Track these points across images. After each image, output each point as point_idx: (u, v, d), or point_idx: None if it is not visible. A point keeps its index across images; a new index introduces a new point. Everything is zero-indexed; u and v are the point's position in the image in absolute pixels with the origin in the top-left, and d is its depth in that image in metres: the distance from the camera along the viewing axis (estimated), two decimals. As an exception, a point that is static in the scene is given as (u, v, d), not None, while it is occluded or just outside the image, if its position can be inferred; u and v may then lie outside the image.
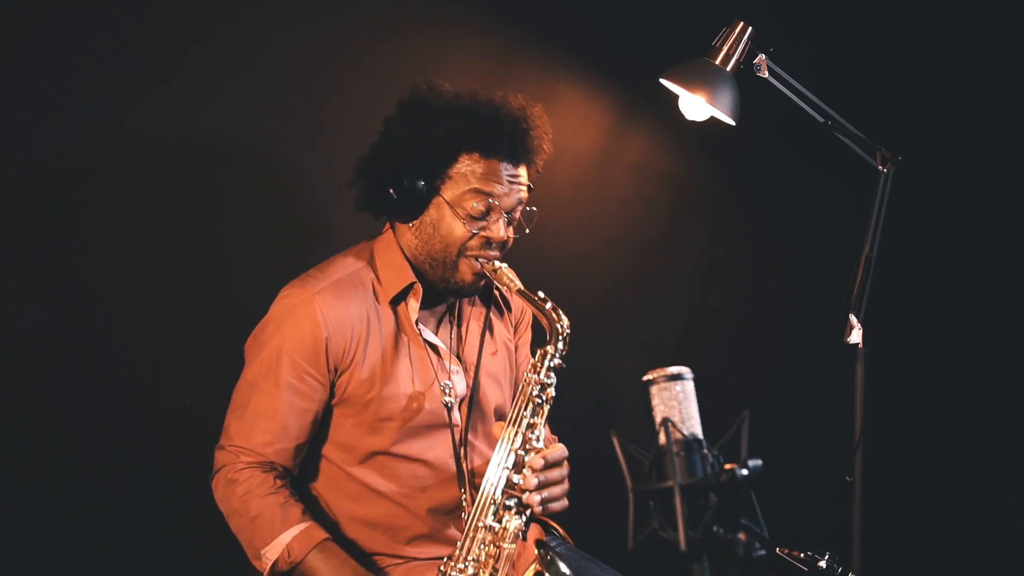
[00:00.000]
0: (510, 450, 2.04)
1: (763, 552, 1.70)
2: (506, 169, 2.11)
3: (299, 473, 2.18)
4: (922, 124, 3.24)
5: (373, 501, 2.17)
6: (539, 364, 2.07)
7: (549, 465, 2.03)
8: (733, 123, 2.63)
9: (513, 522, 2.02)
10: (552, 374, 2.08)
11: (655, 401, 1.80)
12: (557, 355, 2.07)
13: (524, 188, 2.16)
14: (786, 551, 2.14)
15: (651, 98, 2.93)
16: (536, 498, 2.01)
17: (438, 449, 2.19)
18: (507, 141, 2.10)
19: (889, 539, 3.19)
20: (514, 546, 2.02)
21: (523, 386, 2.08)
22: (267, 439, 2.09)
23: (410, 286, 2.16)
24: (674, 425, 1.75)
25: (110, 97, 2.52)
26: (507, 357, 2.36)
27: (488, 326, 2.30)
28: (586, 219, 3.21)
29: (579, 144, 3.18)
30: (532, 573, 2.02)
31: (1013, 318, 3.28)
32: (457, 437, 2.21)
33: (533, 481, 1.99)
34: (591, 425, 2.74)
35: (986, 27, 3.26)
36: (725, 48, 2.56)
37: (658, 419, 1.79)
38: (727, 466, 1.73)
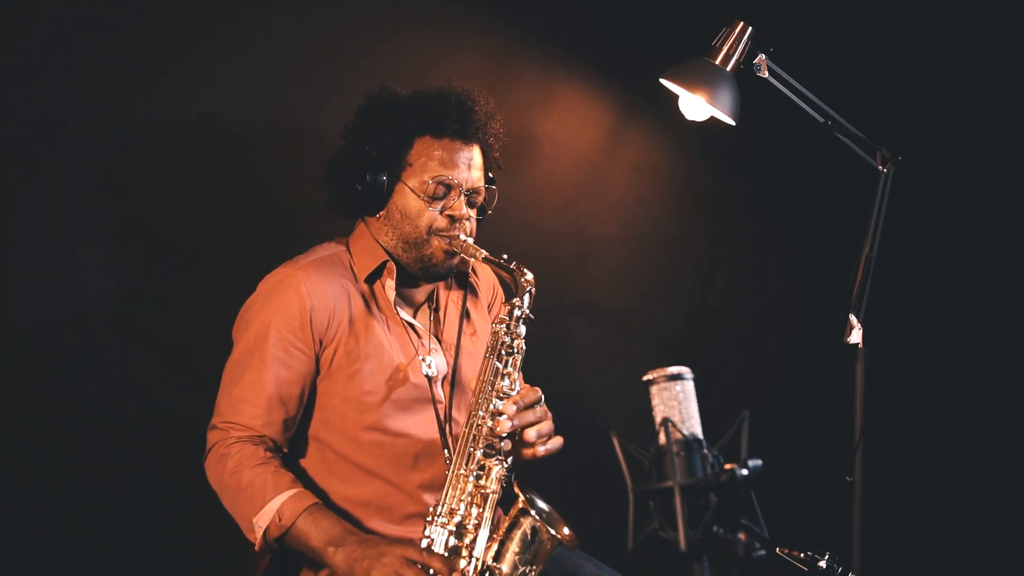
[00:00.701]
0: (483, 399, 2.11)
1: (763, 552, 1.70)
2: (459, 148, 2.23)
3: (291, 458, 2.20)
4: (922, 124, 3.24)
5: (364, 481, 2.20)
6: (507, 316, 2.15)
7: (522, 409, 2.10)
8: (733, 123, 2.63)
9: (495, 468, 2.09)
10: (521, 324, 2.16)
11: (655, 401, 1.81)
12: (524, 307, 2.16)
13: (480, 167, 2.26)
14: (786, 551, 2.14)
15: (651, 98, 2.93)
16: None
17: (424, 424, 2.24)
18: (454, 119, 2.21)
19: (889, 539, 3.19)
20: (498, 491, 2.09)
21: (492, 338, 2.16)
22: (256, 412, 2.12)
23: (384, 264, 2.24)
24: (674, 425, 1.76)
25: (110, 97, 2.52)
26: (486, 339, 2.38)
27: (465, 311, 2.38)
28: (586, 219, 3.21)
29: (579, 144, 3.18)
30: (515, 512, 2.07)
31: (1013, 318, 3.28)
32: (442, 414, 2.26)
33: (506, 426, 2.07)
34: (591, 425, 2.74)
35: (986, 27, 3.26)
36: (725, 48, 2.56)
37: (658, 419, 1.79)
38: (727, 466, 1.74)
